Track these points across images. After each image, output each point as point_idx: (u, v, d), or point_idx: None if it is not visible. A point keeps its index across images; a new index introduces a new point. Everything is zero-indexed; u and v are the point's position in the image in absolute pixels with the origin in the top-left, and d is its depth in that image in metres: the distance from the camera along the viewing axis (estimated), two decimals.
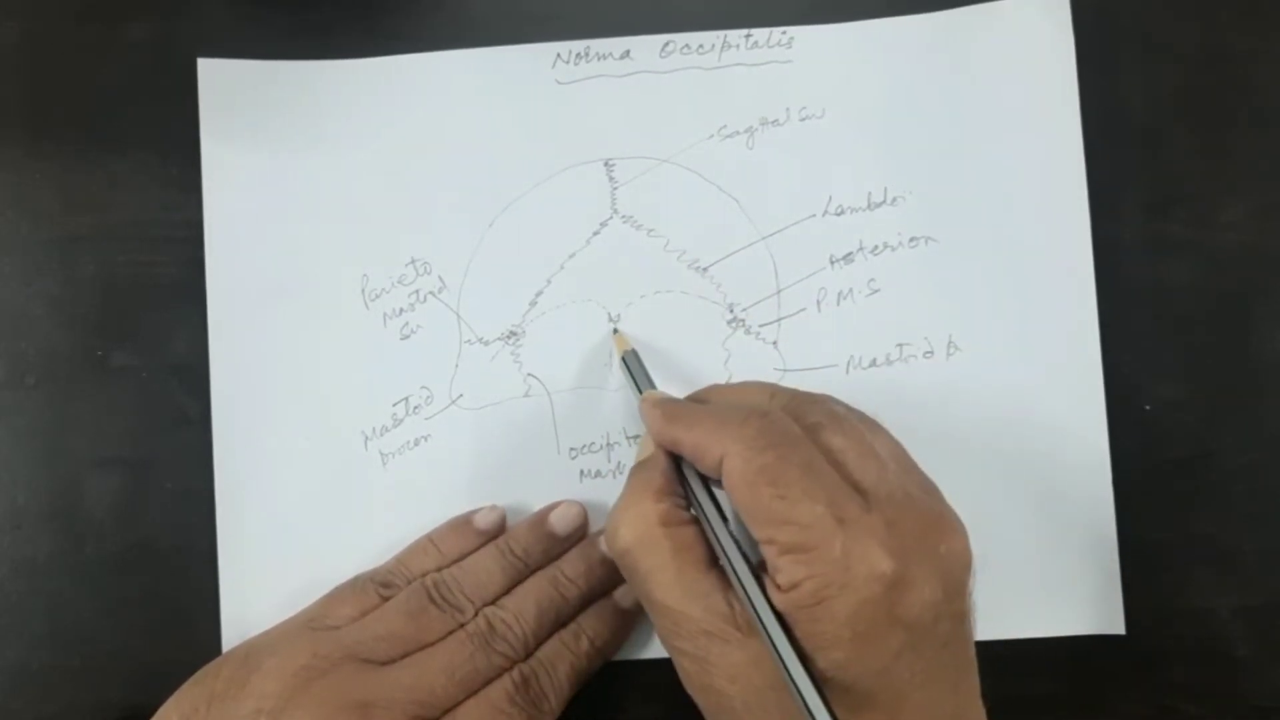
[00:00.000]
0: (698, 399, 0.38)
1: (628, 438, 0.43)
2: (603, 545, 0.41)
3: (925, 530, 0.32)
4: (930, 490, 0.34)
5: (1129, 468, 0.42)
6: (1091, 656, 0.42)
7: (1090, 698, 0.43)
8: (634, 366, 0.41)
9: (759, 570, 0.32)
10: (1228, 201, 0.44)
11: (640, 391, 0.40)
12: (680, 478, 0.36)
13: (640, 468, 0.37)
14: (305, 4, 0.45)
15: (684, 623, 0.33)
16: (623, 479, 0.42)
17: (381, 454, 0.43)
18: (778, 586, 0.31)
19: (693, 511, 0.35)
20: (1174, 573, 0.43)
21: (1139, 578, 0.42)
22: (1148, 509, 0.43)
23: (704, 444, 0.34)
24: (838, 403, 0.36)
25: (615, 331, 0.43)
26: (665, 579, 0.33)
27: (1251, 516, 0.43)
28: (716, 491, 0.35)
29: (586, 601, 0.40)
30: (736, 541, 0.33)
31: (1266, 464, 0.43)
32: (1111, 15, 0.44)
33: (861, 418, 0.35)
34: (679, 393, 0.43)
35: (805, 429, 0.33)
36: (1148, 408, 0.43)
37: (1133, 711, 0.43)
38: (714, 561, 0.34)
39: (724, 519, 0.34)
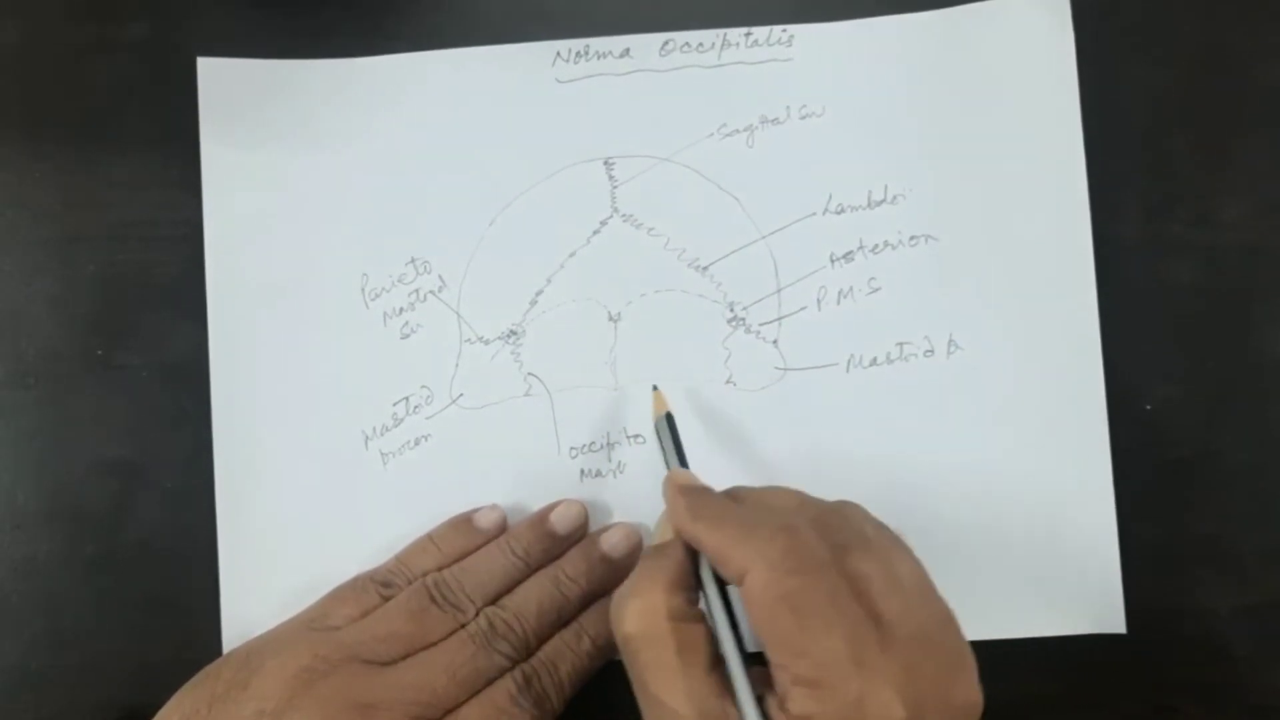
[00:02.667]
0: (728, 495, 0.37)
1: (628, 437, 0.43)
2: (603, 546, 0.41)
3: (942, 678, 0.31)
4: (947, 622, 0.33)
5: (1129, 468, 0.42)
6: (1091, 656, 0.42)
7: (1090, 698, 0.42)
8: (666, 435, 0.40)
9: (763, 685, 0.32)
10: (1228, 201, 0.44)
11: (669, 464, 0.39)
12: (695, 570, 0.35)
13: (656, 553, 0.36)
14: (305, 4, 0.45)
15: None
16: (623, 478, 0.43)
17: (382, 454, 0.43)
18: (784, 712, 0.31)
19: (702, 607, 0.34)
20: (1174, 573, 0.43)
21: (1139, 578, 0.42)
22: (1148, 509, 0.43)
23: (727, 553, 0.33)
24: (866, 518, 0.35)
25: (655, 389, 0.42)
26: (664, 676, 0.33)
27: (1252, 516, 0.43)
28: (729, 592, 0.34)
29: (588, 600, 0.40)
30: (743, 652, 0.32)
31: (1267, 464, 0.43)
32: (1111, 15, 0.44)
33: (886, 536, 0.34)
34: (679, 390, 0.43)
35: (834, 549, 0.32)
36: (1148, 408, 0.43)
37: (1133, 711, 0.43)
38: (716, 663, 0.33)
39: (734, 625, 0.33)
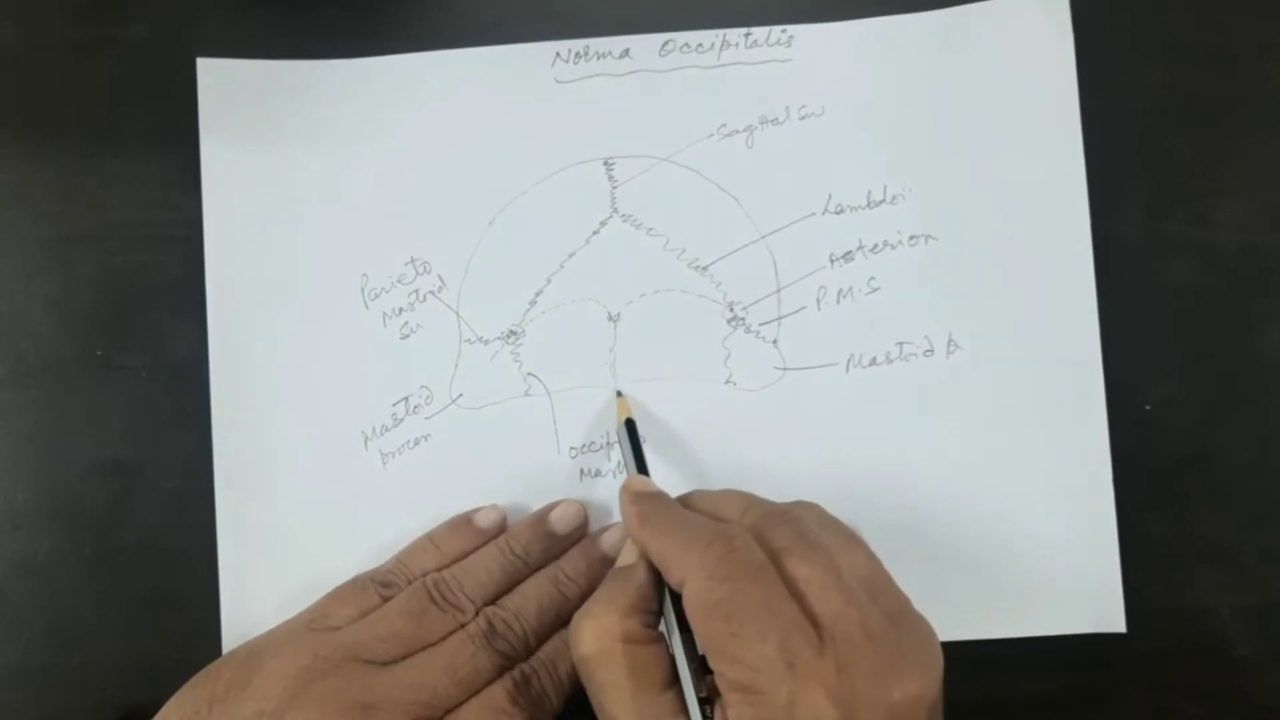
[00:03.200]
0: (682, 501, 0.38)
1: None
2: (603, 546, 0.41)
3: (880, 674, 0.31)
4: (898, 617, 0.33)
5: (1129, 468, 0.42)
6: (1091, 656, 0.42)
7: (1090, 698, 0.43)
8: (625, 442, 0.41)
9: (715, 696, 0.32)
10: (1228, 201, 0.44)
11: (628, 471, 0.40)
12: (660, 591, 0.35)
13: (617, 575, 0.36)
14: (305, 4, 0.45)
15: None
16: (623, 478, 0.42)
17: (381, 454, 0.43)
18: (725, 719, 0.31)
19: (661, 628, 0.35)
20: (1174, 572, 0.43)
21: (1139, 577, 0.42)
22: (1148, 509, 0.43)
23: (669, 562, 0.34)
24: (817, 518, 0.35)
25: (619, 395, 0.43)
26: (619, 696, 0.33)
27: (1251, 516, 0.43)
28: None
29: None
30: (696, 668, 0.33)
31: (1266, 464, 0.43)
32: (1111, 14, 0.44)
33: (836, 534, 0.34)
34: (679, 389, 0.43)
35: (772, 554, 0.33)
36: (1148, 408, 0.43)
37: (1133, 711, 0.43)
38: (672, 682, 0.34)
39: (691, 641, 0.34)
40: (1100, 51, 0.44)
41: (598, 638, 0.34)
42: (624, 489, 0.38)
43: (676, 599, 0.34)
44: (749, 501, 0.36)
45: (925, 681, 0.31)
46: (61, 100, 0.44)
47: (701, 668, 0.33)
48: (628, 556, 0.37)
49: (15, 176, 0.44)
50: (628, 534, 0.37)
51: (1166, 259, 0.44)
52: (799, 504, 0.36)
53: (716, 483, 0.42)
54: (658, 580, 0.35)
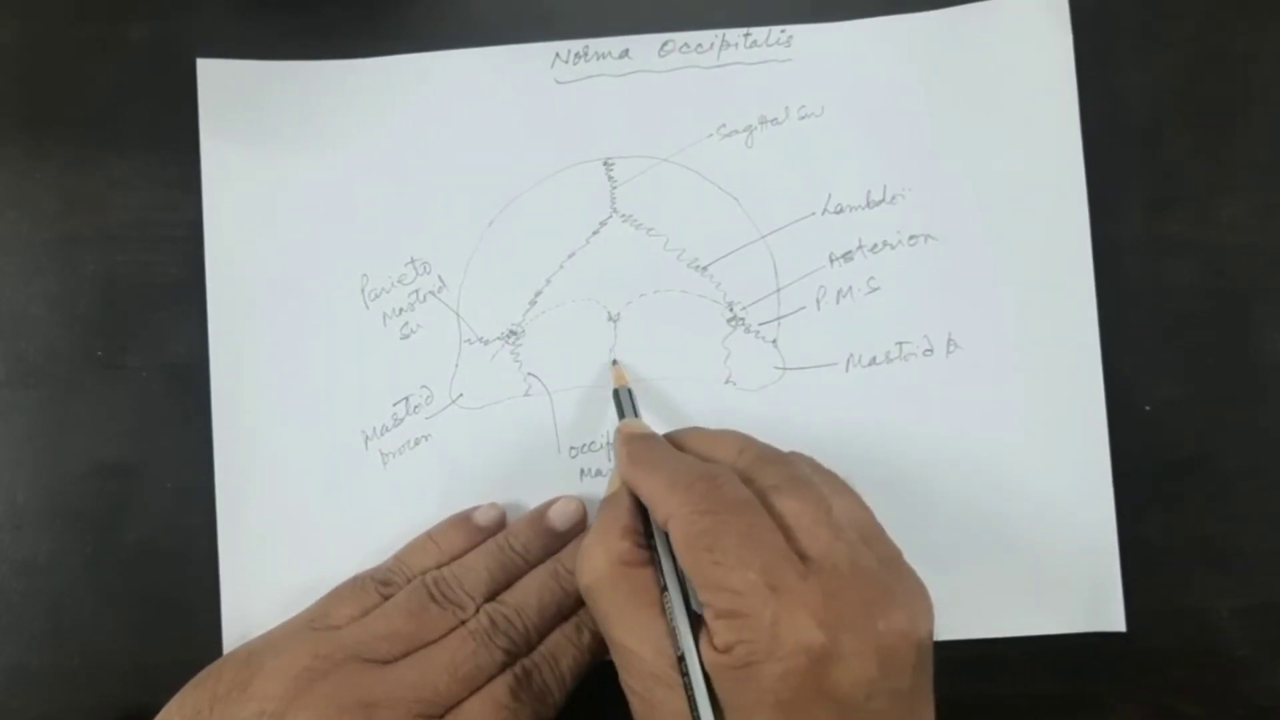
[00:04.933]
0: (674, 440, 0.38)
1: None
2: None
3: (867, 604, 0.31)
4: (889, 561, 0.33)
5: (1129, 468, 0.42)
6: (1091, 656, 0.42)
7: (1090, 698, 0.42)
8: (623, 401, 0.41)
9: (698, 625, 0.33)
10: (1228, 201, 0.44)
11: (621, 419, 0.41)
12: (644, 517, 0.36)
13: (608, 502, 0.37)
14: (305, 4, 0.45)
15: (634, 663, 0.33)
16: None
17: (382, 454, 0.43)
18: (713, 647, 0.32)
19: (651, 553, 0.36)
20: (1174, 573, 0.43)
21: (1139, 578, 0.42)
22: (1148, 509, 0.43)
23: (655, 500, 0.34)
24: (806, 464, 0.36)
25: (614, 363, 0.43)
26: (621, 618, 0.34)
27: (1251, 516, 0.43)
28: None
29: None
30: (684, 592, 0.34)
31: (1266, 464, 0.43)
32: (1111, 14, 0.45)
33: (828, 480, 0.35)
34: (679, 389, 0.43)
35: (760, 490, 0.34)
36: (1148, 408, 0.43)
37: (1133, 711, 0.43)
38: (663, 606, 0.34)
39: (676, 568, 0.34)
40: (1101, 51, 0.44)
41: (598, 562, 0.35)
42: (618, 432, 0.39)
43: (664, 536, 0.35)
44: (745, 443, 0.37)
45: (913, 618, 0.32)
46: (63, 100, 0.44)
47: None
48: (612, 486, 0.38)
49: (16, 176, 0.44)
50: (620, 473, 0.37)
51: (1166, 259, 0.44)
52: (794, 453, 0.37)
53: None
54: (643, 510, 0.36)
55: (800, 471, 0.35)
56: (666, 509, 0.34)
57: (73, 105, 0.44)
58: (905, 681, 0.32)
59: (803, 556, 0.32)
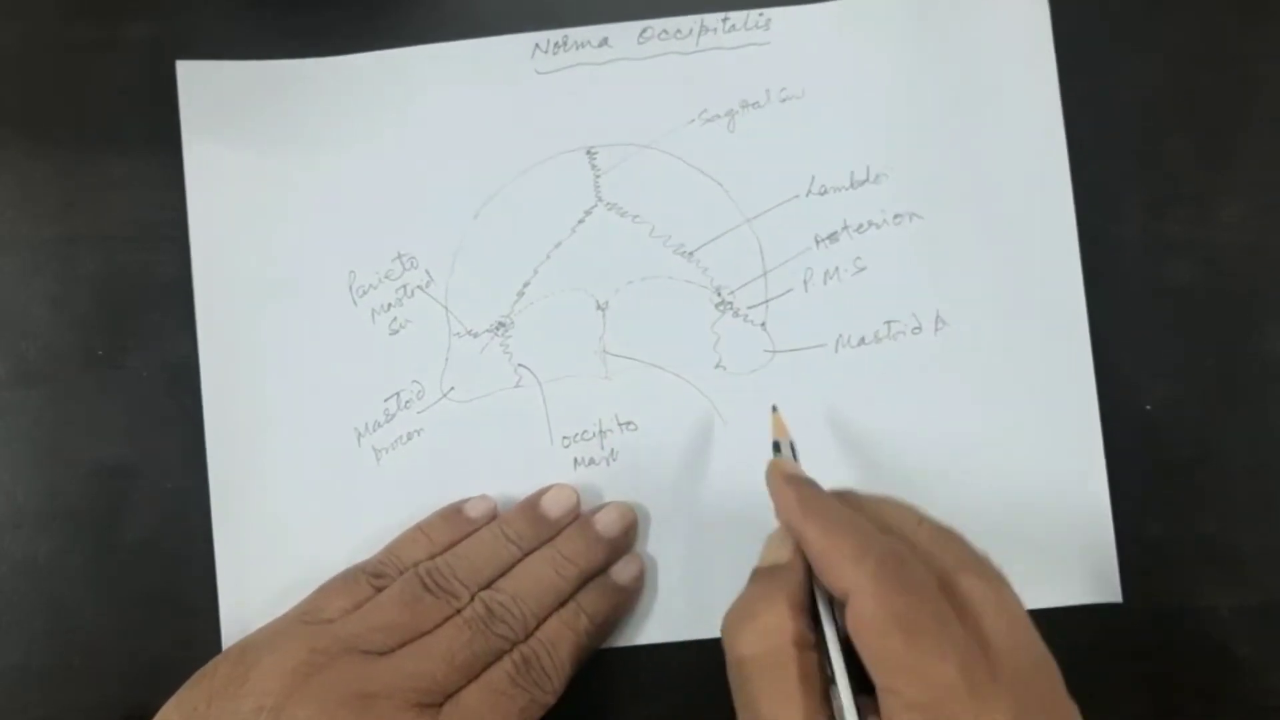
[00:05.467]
0: (843, 499, 0.35)
1: (619, 424, 0.43)
2: (598, 526, 0.41)
3: (1049, 711, 0.30)
4: (1046, 661, 0.32)
5: (1129, 468, 0.42)
6: (1091, 657, 0.41)
7: (1090, 698, 0.41)
8: (783, 448, 0.39)
9: (869, 714, 0.31)
10: (1228, 201, 0.44)
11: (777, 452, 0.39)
12: (811, 590, 0.34)
13: (774, 572, 0.34)
14: (303, 4, 0.45)
15: None
16: (616, 466, 0.43)
17: (374, 449, 0.43)
18: None
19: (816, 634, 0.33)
20: (1174, 572, 0.42)
21: (1139, 577, 0.42)
22: (1148, 509, 0.42)
23: (835, 565, 0.32)
24: (972, 544, 0.34)
25: (775, 410, 0.41)
26: (783, 703, 0.31)
27: (1252, 516, 0.43)
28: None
29: (583, 581, 0.40)
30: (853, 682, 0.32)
31: (1266, 464, 0.43)
32: (1111, 11, 0.45)
33: (992, 564, 0.33)
34: (669, 376, 0.43)
35: (943, 570, 0.32)
36: (1148, 408, 0.43)
37: (1133, 711, 0.42)
38: (828, 695, 0.32)
39: (843, 649, 0.32)
40: (1101, 49, 0.44)
41: (767, 637, 0.32)
42: (773, 468, 0.37)
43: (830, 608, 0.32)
44: (920, 515, 0.35)
45: None
46: (62, 100, 0.45)
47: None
48: (780, 553, 0.35)
49: (15, 176, 0.44)
50: (785, 519, 0.35)
51: (1166, 259, 0.44)
52: (953, 529, 0.35)
53: (712, 470, 0.43)
54: (811, 584, 0.34)
55: (975, 553, 0.33)
56: (852, 580, 0.31)
57: (72, 105, 0.45)
58: None
59: (984, 644, 0.30)
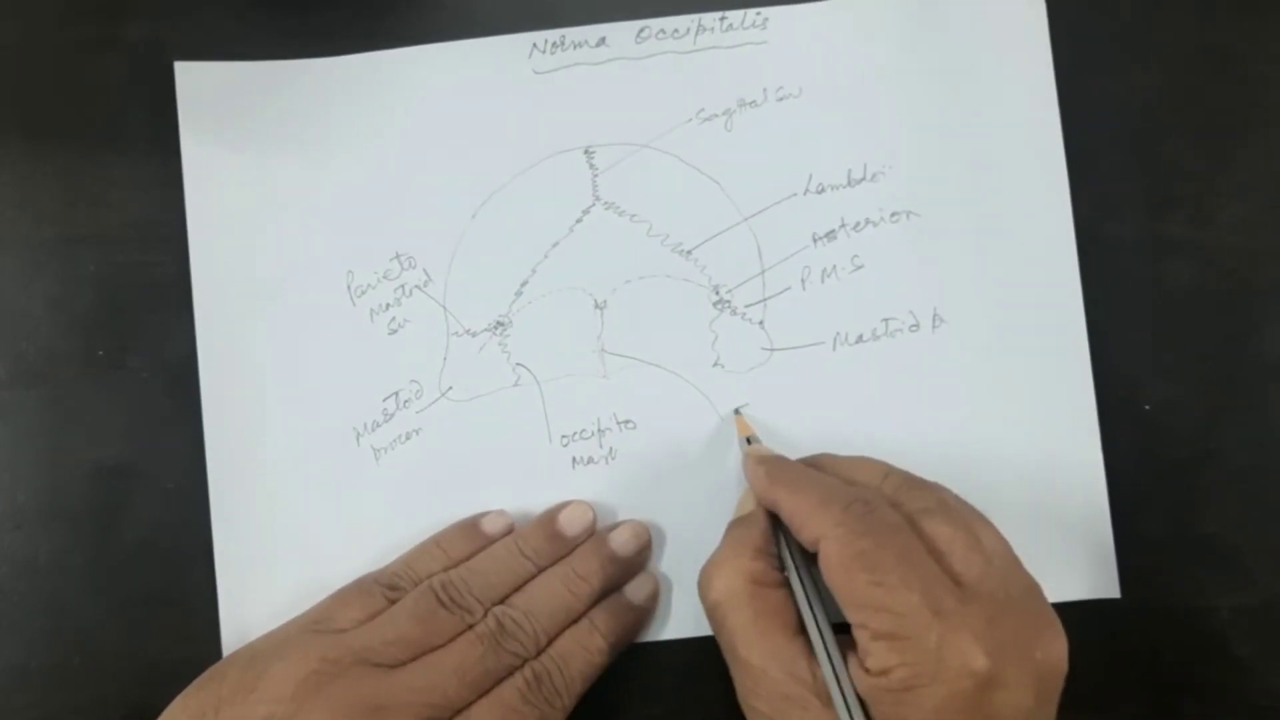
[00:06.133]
0: (810, 464, 0.39)
1: (618, 423, 0.43)
2: (612, 544, 0.41)
3: (1023, 631, 0.32)
4: (1032, 591, 0.34)
5: (1129, 467, 0.42)
6: (1091, 656, 0.41)
7: (1090, 697, 0.41)
8: (753, 439, 0.42)
9: (844, 650, 0.33)
10: (1228, 201, 0.44)
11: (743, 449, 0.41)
12: (777, 539, 0.37)
13: (739, 523, 0.38)
14: (303, 5, 0.45)
15: (765, 683, 0.33)
16: (614, 464, 0.43)
17: (374, 449, 0.43)
18: (865, 670, 0.32)
19: (785, 574, 0.36)
20: (1174, 572, 0.42)
21: (1139, 577, 0.42)
22: (1148, 509, 0.42)
23: (803, 518, 0.34)
24: (950, 492, 0.36)
25: (737, 413, 0.43)
26: (751, 637, 0.34)
27: (1251, 516, 0.43)
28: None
29: (596, 599, 0.40)
30: (825, 614, 0.34)
31: (1267, 464, 0.43)
32: (1111, 14, 0.45)
33: (969, 508, 0.35)
34: (668, 374, 0.43)
35: (910, 515, 0.34)
36: (1148, 408, 0.43)
37: (1133, 710, 0.42)
38: (800, 629, 0.34)
39: (816, 589, 0.34)
40: (1100, 51, 0.44)
41: (729, 579, 0.35)
42: (748, 455, 0.40)
43: (804, 555, 0.35)
44: (888, 469, 0.37)
45: (1062, 650, 0.32)
46: (62, 100, 0.45)
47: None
48: (744, 508, 0.39)
49: (15, 176, 0.44)
50: (756, 493, 0.38)
51: (1166, 259, 0.44)
52: (935, 482, 0.37)
53: (708, 466, 0.42)
54: (776, 534, 0.37)
55: (948, 497, 0.35)
56: (818, 528, 0.34)
57: (72, 105, 0.45)
58: (1050, 713, 0.32)
59: (957, 581, 0.32)
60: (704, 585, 0.36)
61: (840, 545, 0.33)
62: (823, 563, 0.33)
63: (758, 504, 0.38)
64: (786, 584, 0.35)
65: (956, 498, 0.36)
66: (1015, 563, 0.34)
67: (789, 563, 0.36)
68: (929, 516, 0.34)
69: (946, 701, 0.30)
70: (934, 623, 0.30)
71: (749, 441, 0.41)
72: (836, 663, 0.32)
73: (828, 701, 0.32)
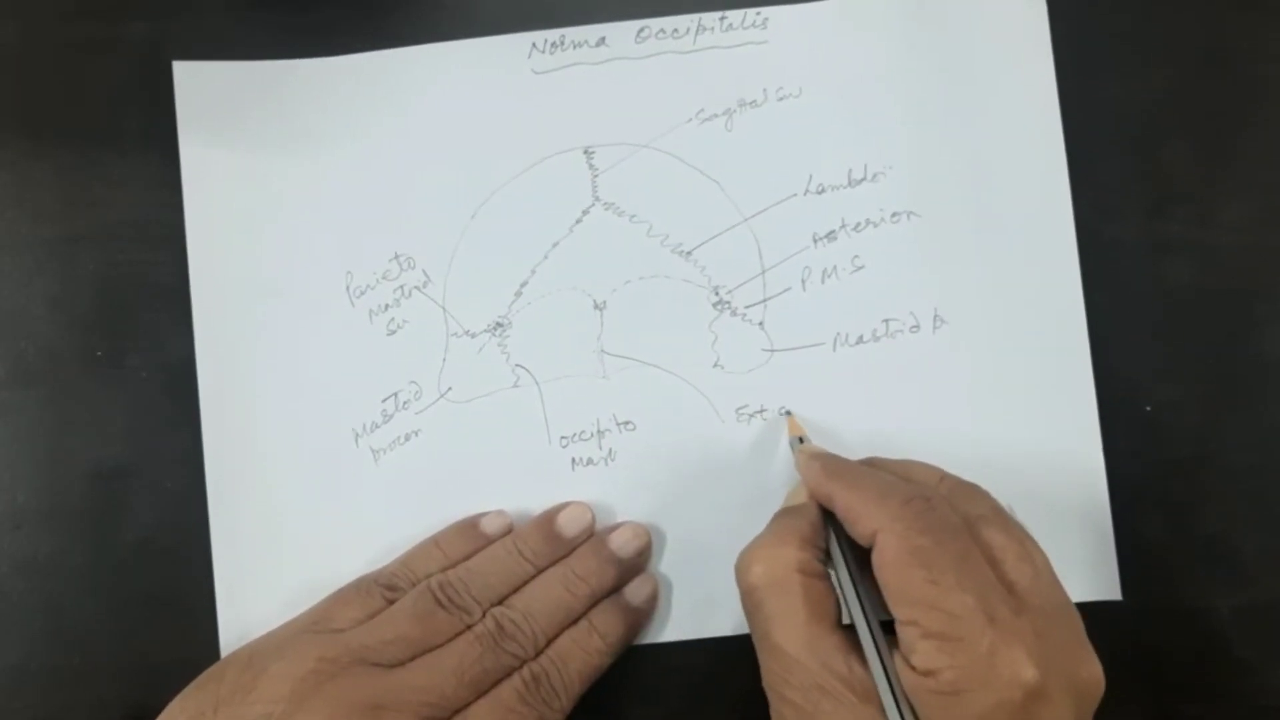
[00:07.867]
0: (864, 462, 0.39)
1: (618, 424, 0.43)
2: (612, 545, 0.41)
3: (1070, 650, 0.32)
4: (1069, 609, 0.34)
5: (1129, 467, 0.42)
6: None
7: None
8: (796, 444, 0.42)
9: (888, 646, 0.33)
10: (1228, 201, 0.44)
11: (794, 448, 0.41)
12: (826, 534, 0.36)
13: (787, 512, 0.38)
14: (303, 5, 0.45)
15: (798, 672, 0.33)
16: (614, 465, 0.43)
17: (373, 450, 0.43)
18: (911, 667, 0.31)
19: (827, 569, 0.36)
20: (1174, 572, 0.42)
21: (1139, 577, 0.42)
22: (1148, 509, 0.42)
23: (860, 511, 0.34)
24: (996, 500, 0.36)
25: (789, 414, 0.43)
26: (790, 625, 0.34)
27: (1251, 516, 0.43)
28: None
29: (595, 600, 0.40)
30: (873, 614, 0.33)
31: (1266, 464, 0.43)
32: (1111, 14, 0.45)
33: (1017, 521, 0.35)
34: (668, 375, 0.43)
35: (967, 520, 0.34)
36: (1148, 408, 0.43)
37: (1131, 710, 0.42)
38: (839, 623, 0.34)
39: (866, 585, 0.34)
40: (1100, 51, 0.44)
41: (771, 565, 0.35)
42: (801, 451, 0.39)
43: (855, 549, 0.34)
44: (944, 472, 0.37)
45: (1100, 671, 0.32)
46: (62, 100, 0.45)
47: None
48: (796, 499, 0.38)
49: (15, 176, 0.44)
50: (811, 487, 0.37)
51: (1166, 259, 0.44)
52: (983, 489, 0.37)
53: (708, 467, 0.42)
54: (825, 527, 0.36)
55: (1000, 505, 0.35)
56: (876, 521, 0.33)
57: (72, 105, 0.45)
58: None
59: (1009, 589, 0.32)
60: (743, 567, 0.36)
61: (898, 539, 0.32)
62: (877, 556, 0.33)
63: (810, 497, 0.37)
64: (828, 578, 0.35)
65: (1005, 508, 0.36)
66: (1057, 579, 0.34)
67: (838, 556, 0.35)
68: (985, 523, 0.34)
69: (993, 709, 0.30)
70: (988, 629, 0.30)
71: (800, 441, 0.41)
72: (887, 659, 0.32)
73: (863, 697, 0.32)
